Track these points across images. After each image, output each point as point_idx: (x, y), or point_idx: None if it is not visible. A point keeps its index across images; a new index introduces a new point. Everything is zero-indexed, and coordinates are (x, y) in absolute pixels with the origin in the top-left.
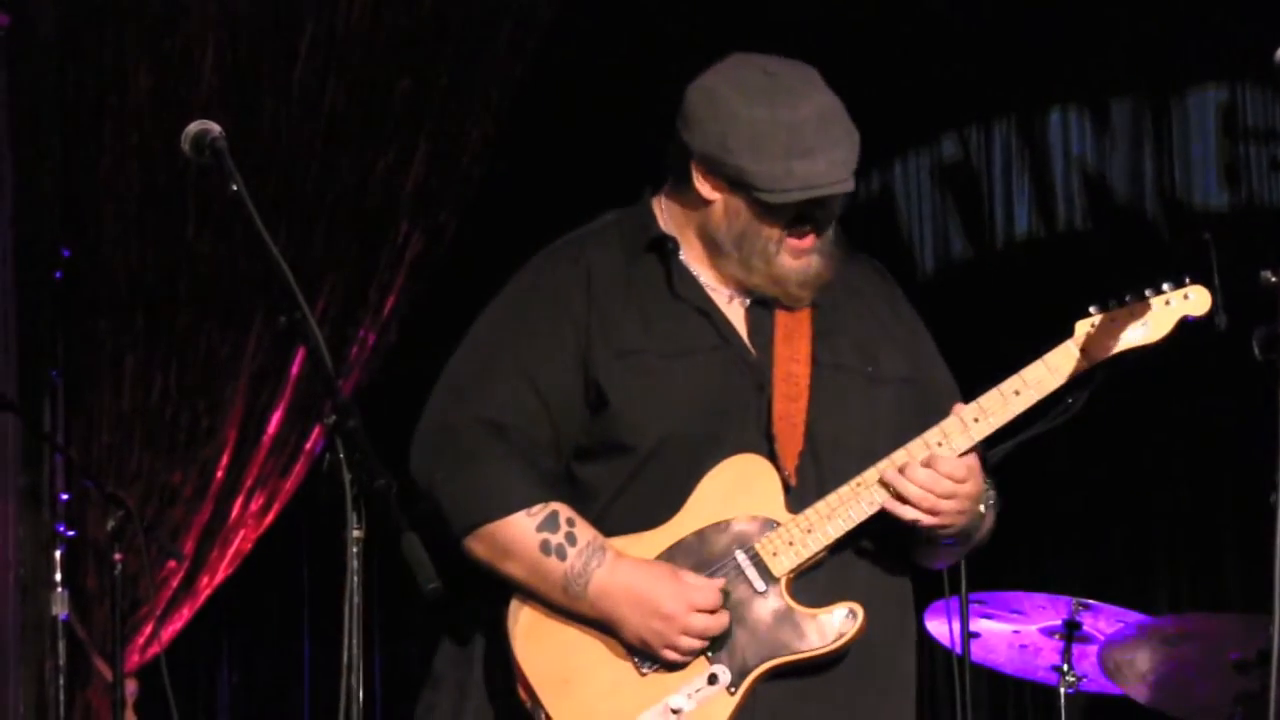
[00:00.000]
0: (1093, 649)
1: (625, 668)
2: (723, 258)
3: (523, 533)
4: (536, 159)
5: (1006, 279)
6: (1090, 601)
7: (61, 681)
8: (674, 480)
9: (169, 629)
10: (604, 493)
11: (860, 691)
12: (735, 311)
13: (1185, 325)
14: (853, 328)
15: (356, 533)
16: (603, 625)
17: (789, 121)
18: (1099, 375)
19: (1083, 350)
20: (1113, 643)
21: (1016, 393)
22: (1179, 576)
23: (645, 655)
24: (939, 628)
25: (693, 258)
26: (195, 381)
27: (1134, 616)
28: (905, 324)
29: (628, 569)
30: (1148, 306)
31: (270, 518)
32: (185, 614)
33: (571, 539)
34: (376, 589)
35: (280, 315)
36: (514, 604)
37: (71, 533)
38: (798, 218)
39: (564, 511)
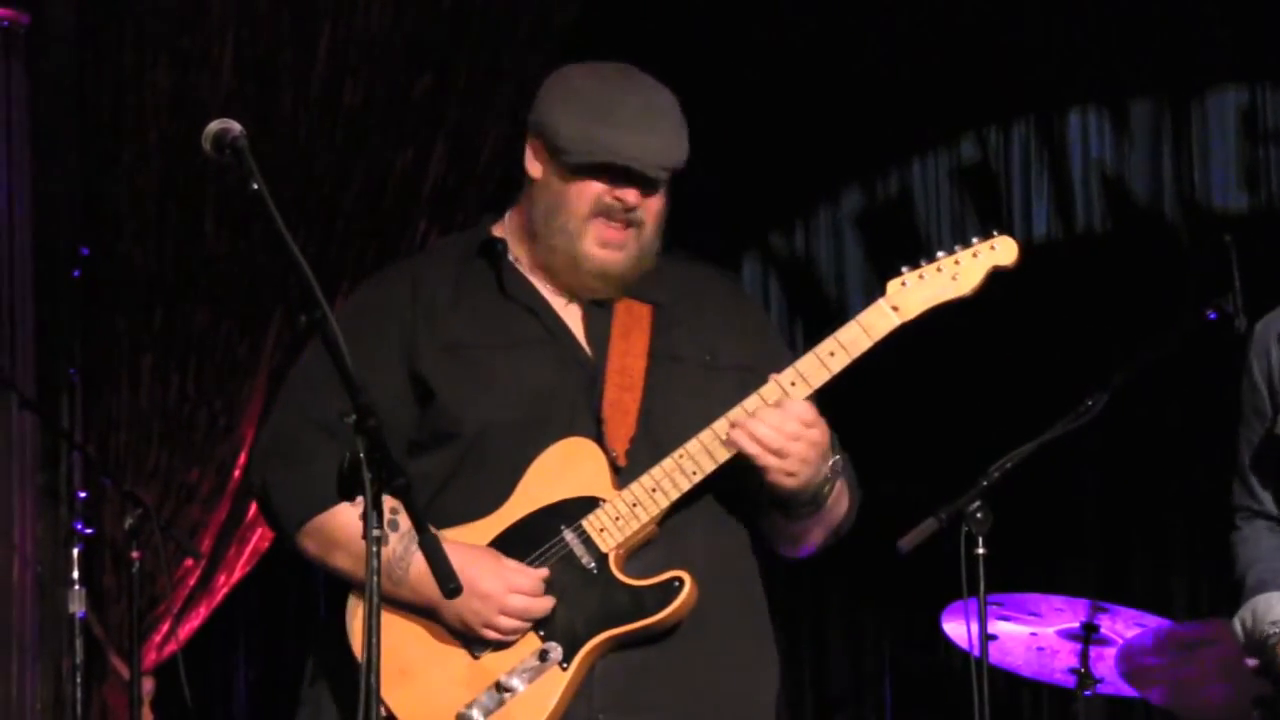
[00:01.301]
0: (1110, 651)
1: (458, 653)
2: (535, 241)
3: (347, 521)
4: None
5: (1024, 280)
6: (1108, 604)
7: (79, 679)
8: (502, 468)
9: (186, 627)
10: (433, 484)
11: (701, 664)
12: (571, 312)
13: (996, 276)
14: (692, 321)
15: (377, 532)
16: (429, 612)
17: (611, 96)
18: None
19: (895, 308)
20: (1131, 647)
21: (831, 354)
22: (1197, 579)
23: (476, 639)
24: (956, 629)
25: (527, 262)
26: (213, 380)
27: (1152, 619)
28: (746, 317)
29: (448, 551)
30: (956, 260)
31: None
32: (202, 612)
33: (394, 525)
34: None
35: (300, 314)
36: (350, 601)
37: (89, 530)
38: (606, 195)
39: (389, 501)
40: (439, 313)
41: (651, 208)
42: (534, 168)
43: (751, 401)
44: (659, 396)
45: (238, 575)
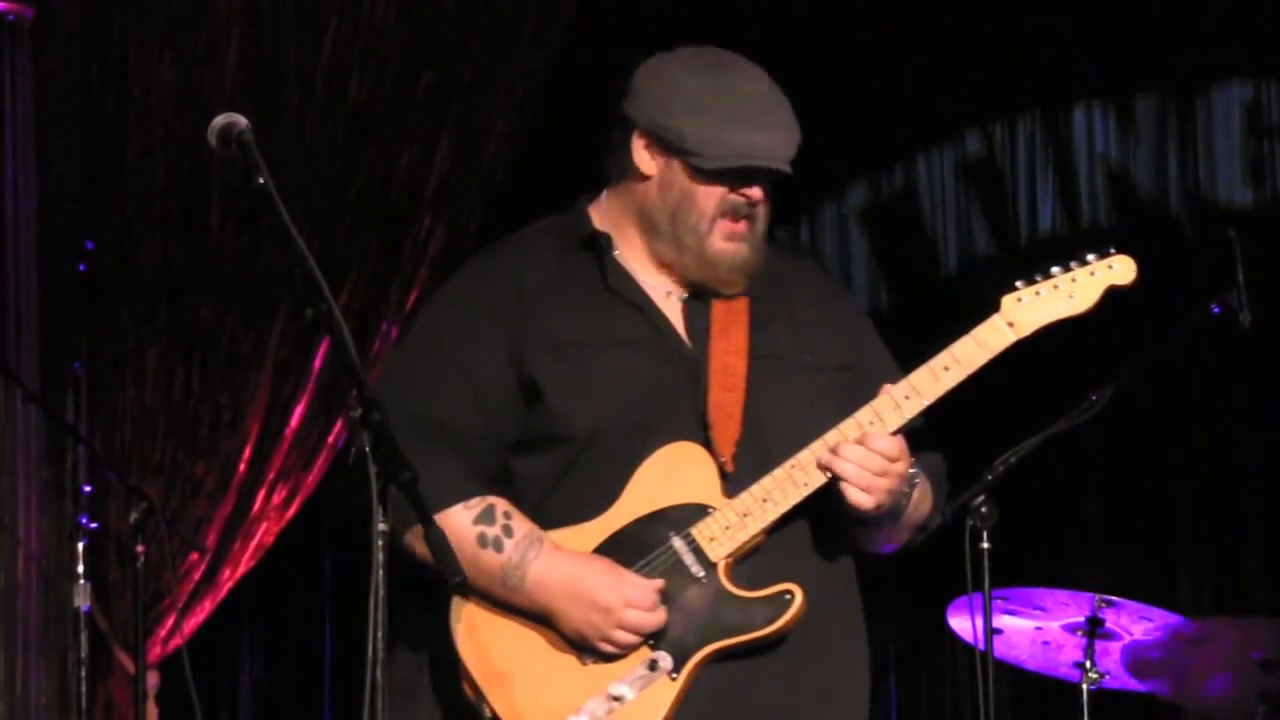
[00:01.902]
0: (1115, 646)
1: (566, 658)
2: (658, 238)
3: (460, 526)
4: (560, 154)
5: (1030, 276)
6: (1113, 598)
7: (83, 673)
8: (609, 471)
9: (191, 621)
10: (541, 485)
11: (804, 674)
12: (671, 306)
13: (1112, 294)
14: (789, 318)
15: (382, 525)
16: (541, 617)
17: (731, 91)
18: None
19: (1010, 324)
20: (1138, 644)
21: (946, 369)
22: (1202, 573)
23: (585, 647)
24: (961, 624)
25: (629, 254)
26: (218, 374)
27: (1157, 613)
28: (842, 313)
29: (565, 561)
30: (1073, 278)
31: (292, 511)
32: (207, 606)
33: (508, 531)
34: (399, 582)
35: (306, 308)
36: (455, 600)
37: (94, 525)
38: (733, 194)
39: (500, 505)
40: (544, 309)
41: (766, 204)
42: (647, 164)
43: (864, 414)
44: (761, 398)
45: (242, 569)
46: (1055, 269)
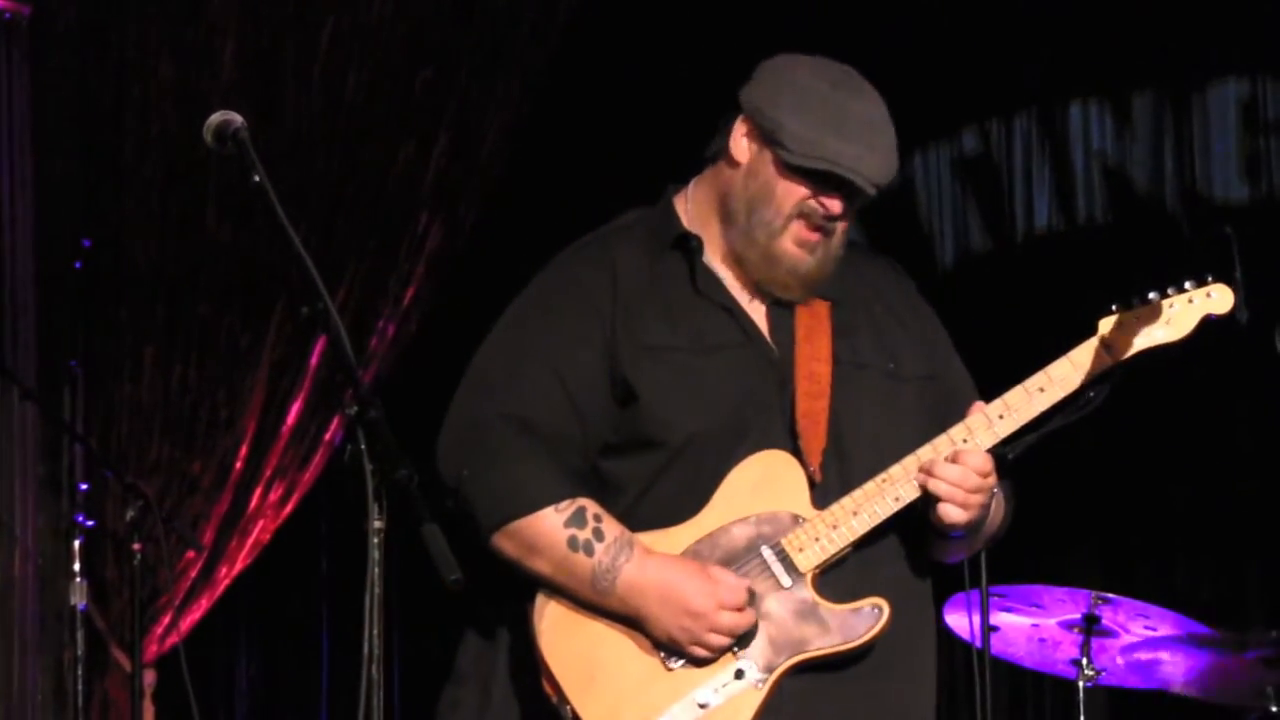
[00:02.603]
0: (1112, 643)
1: (651, 663)
2: (732, 227)
3: (550, 528)
4: (557, 151)
5: (1026, 272)
6: (1109, 595)
7: (80, 671)
8: (700, 476)
9: (188, 619)
10: (631, 488)
11: (883, 686)
12: (756, 310)
13: (1208, 324)
14: (872, 326)
15: (378, 523)
16: (629, 620)
17: (842, 103)
18: (1119, 371)
19: (1105, 346)
20: (1143, 648)
21: (1041, 390)
22: (1198, 570)
23: (672, 650)
24: (958, 621)
25: (716, 257)
26: (215, 372)
27: (1154, 610)
28: (923, 322)
29: (656, 564)
30: (1171, 304)
31: (289, 508)
32: (204, 604)
33: (599, 534)
34: (396, 580)
35: (302, 306)
36: (539, 599)
37: (91, 523)
38: (814, 204)
39: (591, 507)
40: (638, 310)
41: (844, 222)
42: (741, 150)
43: (958, 431)
44: (845, 406)
45: (239, 567)
46: (1153, 294)
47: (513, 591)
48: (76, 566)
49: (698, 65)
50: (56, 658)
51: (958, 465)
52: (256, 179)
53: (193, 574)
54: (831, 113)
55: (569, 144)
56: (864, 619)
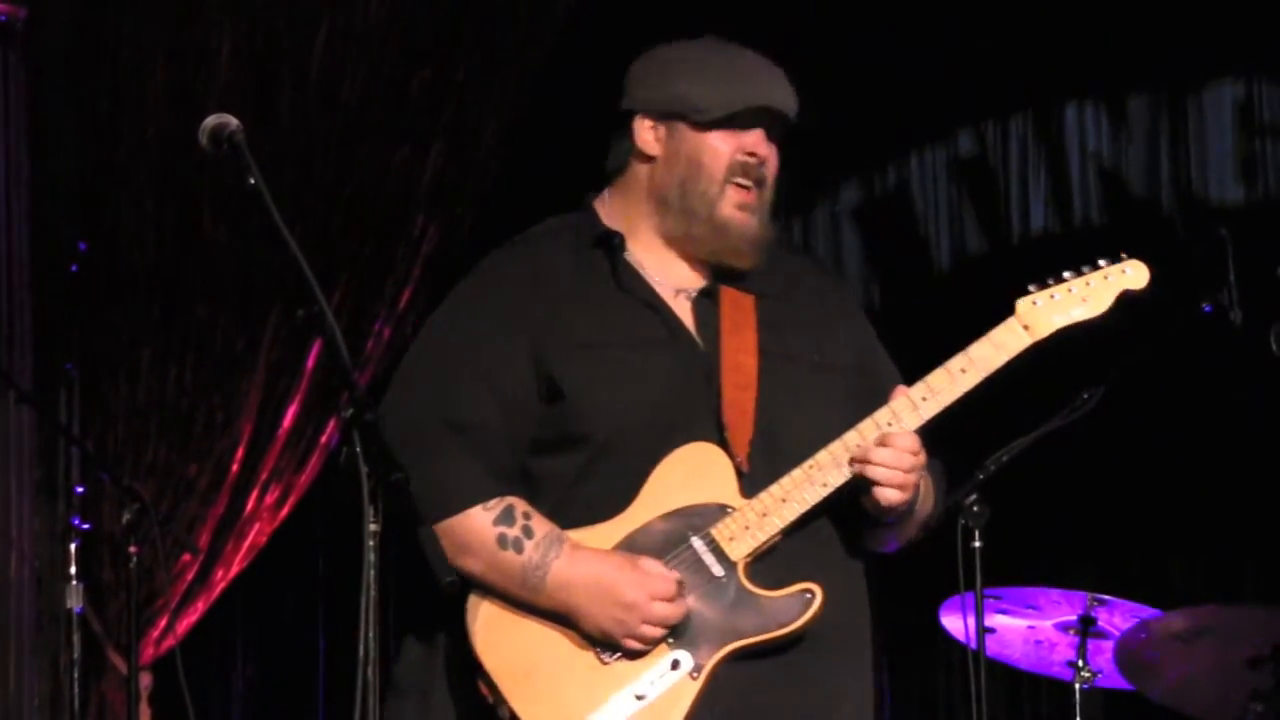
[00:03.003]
0: (1108, 644)
1: (587, 658)
2: (669, 214)
3: (480, 526)
4: (553, 153)
5: (1022, 274)
6: (1105, 597)
7: (76, 674)
8: (628, 471)
9: (184, 622)
10: (559, 485)
11: (821, 671)
12: (681, 305)
13: (1126, 299)
14: (798, 318)
15: (373, 526)
16: (562, 617)
17: (729, 57)
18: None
19: (1026, 327)
20: (1127, 639)
21: (963, 370)
22: (1194, 572)
23: (606, 645)
24: (954, 623)
25: (639, 252)
26: (211, 374)
27: (1149, 612)
28: (848, 315)
29: (586, 559)
30: (1087, 282)
31: (285, 511)
32: (200, 607)
33: (528, 531)
34: (392, 582)
35: (298, 309)
36: (472, 599)
37: (87, 525)
38: (742, 157)
39: (520, 505)
40: (562, 308)
41: (772, 162)
42: (651, 145)
43: (883, 415)
44: (773, 397)
45: (235, 570)
46: (1068, 273)
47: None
48: (73, 569)
49: None
50: (53, 660)
51: (888, 448)
52: (252, 182)
53: (189, 577)
54: (722, 65)
55: (565, 146)
56: (796, 605)
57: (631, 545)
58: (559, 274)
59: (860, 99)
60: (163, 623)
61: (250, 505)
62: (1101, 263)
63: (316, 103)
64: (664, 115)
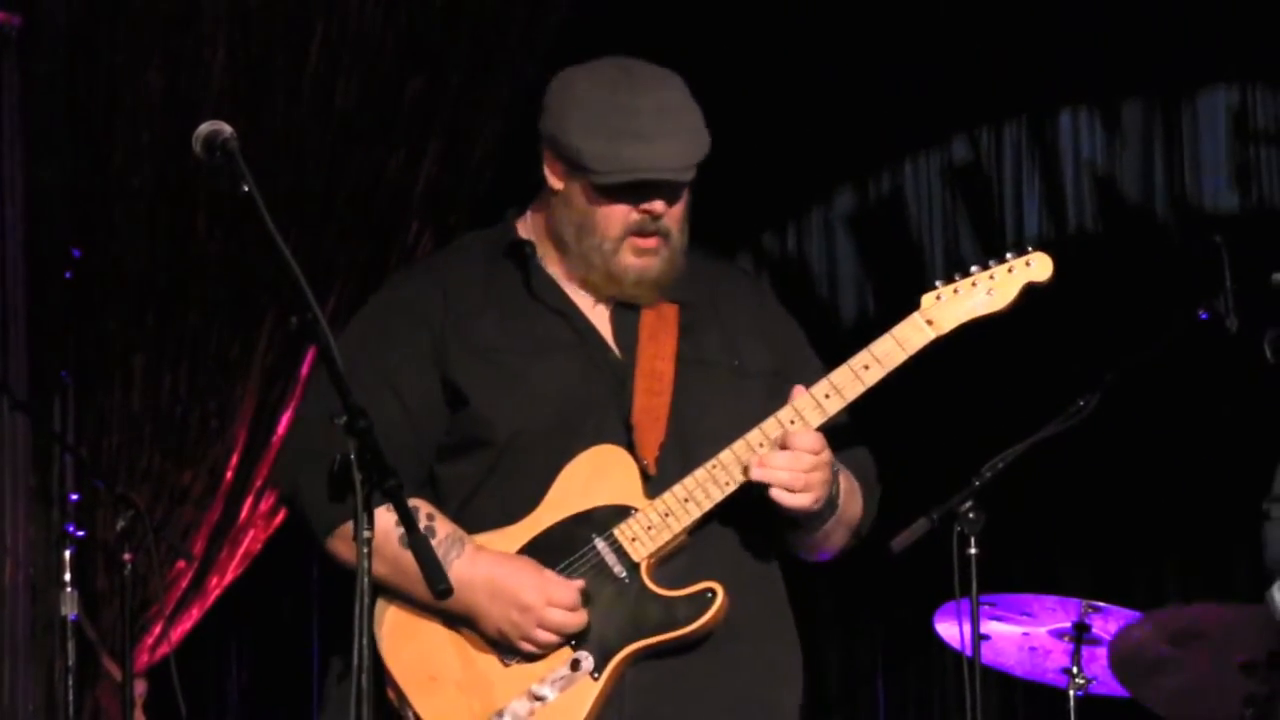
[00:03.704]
0: (1102, 651)
1: (489, 660)
2: (567, 254)
3: (383, 528)
4: None
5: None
6: (1100, 604)
7: (70, 681)
8: (532, 474)
9: (178, 629)
10: (463, 490)
11: (730, 673)
12: (599, 313)
13: (1030, 292)
14: (718, 324)
15: (367, 533)
16: (465, 619)
17: (626, 106)
18: (1112, 380)
19: (929, 322)
20: (1120, 639)
21: (866, 367)
22: (1189, 579)
23: (507, 647)
24: (949, 630)
25: (553, 263)
26: (205, 381)
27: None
28: (773, 320)
29: (487, 561)
30: (991, 275)
31: (280, 518)
32: (195, 614)
33: (430, 532)
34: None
35: (292, 316)
36: (379, 605)
37: (81, 533)
38: (635, 209)
39: (424, 507)
40: (469, 316)
41: (676, 212)
42: (554, 180)
43: (785, 413)
44: (688, 402)
45: (230, 577)
46: (974, 268)
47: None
48: (67, 577)
49: (688, 73)
50: (47, 668)
51: (785, 451)
52: (246, 189)
53: (184, 584)
54: (620, 118)
55: None
56: (697, 605)
57: (536, 548)
58: (469, 282)
59: (854, 105)
60: (157, 630)
61: (245, 512)
62: (1008, 256)
63: (310, 109)
64: (564, 162)
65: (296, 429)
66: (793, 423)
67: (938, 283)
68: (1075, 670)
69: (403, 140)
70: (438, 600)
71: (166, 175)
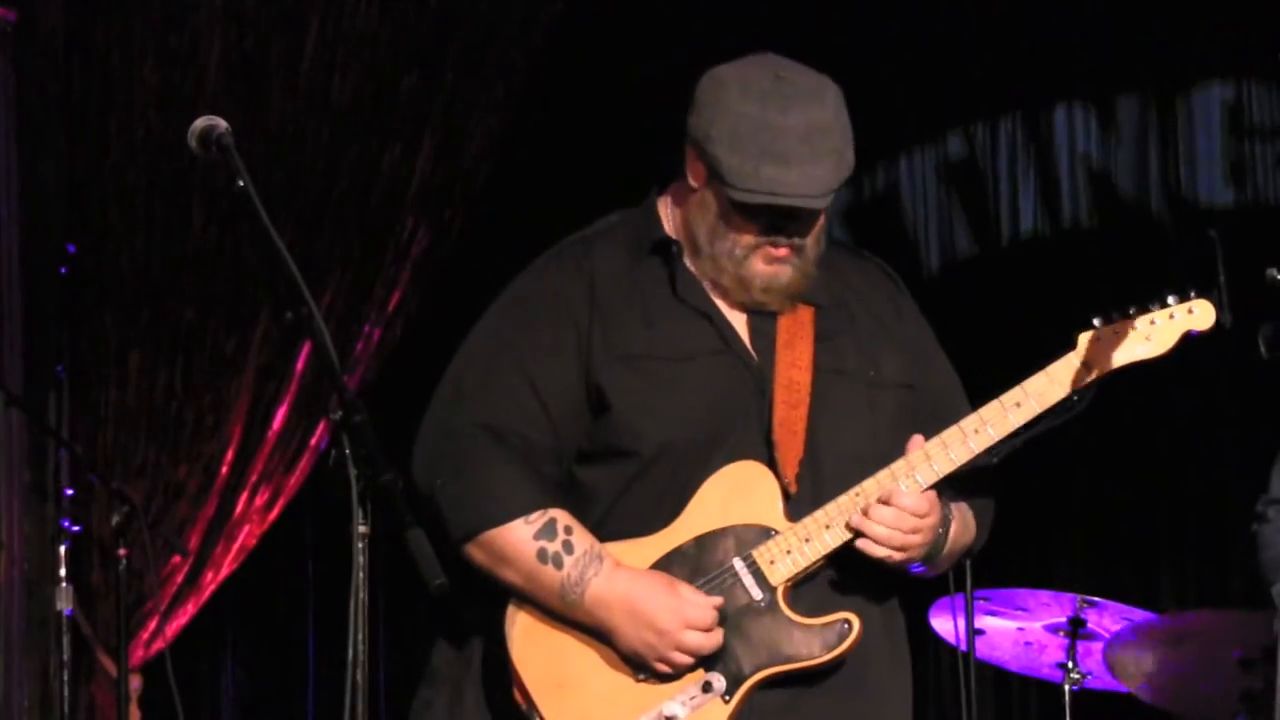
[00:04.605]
0: (1097, 646)
1: (620, 674)
2: (700, 255)
3: (520, 540)
4: (542, 154)
5: (1012, 276)
6: (1095, 599)
7: (66, 677)
8: (674, 486)
9: (173, 624)
10: (604, 497)
11: (853, 704)
12: (737, 316)
13: (1189, 339)
14: (855, 331)
15: (363, 528)
16: (598, 632)
17: (773, 124)
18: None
19: (1084, 362)
20: (1117, 641)
21: (1018, 404)
22: (1184, 574)
23: (640, 664)
24: (944, 625)
25: (694, 262)
26: (200, 377)
27: (1139, 614)
28: (908, 326)
29: (625, 579)
30: (1152, 320)
31: (275, 513)
32: (190, 609)
33: (569, 547)
34: (382, 584)
35: (286, 311)
36: (511, 607)
37: (76, 528)
38: (770, 226)
39: (562, 519)
40: (614, 317)
41: (814, 229)
42: (694, 179)
43: (934, 444)
44: (824, 416)
45: (225, 572)
46: (1133, 309)
47: (487, 597)
48: (62, 572)
49: (682, 68)
50: (42, 663)
51: (891, 509)
52: (241, 184)
53: (179, 579)
54: (766, 137)
55: (554, 148)
56: (834, 634)
57: (671, 562)
58: (614, 281)
59: (849, 100)
60: (152, 625)
61: (240, 507)
62: (1170, 300)
63: (305, 105)
64: (704, 164)
65: (436, 422)
66: (935, 454)
67: (1096, 321)
68: (1071, 665)
69: (398, 136)
70: (433, 595)
71: (161, 171)
